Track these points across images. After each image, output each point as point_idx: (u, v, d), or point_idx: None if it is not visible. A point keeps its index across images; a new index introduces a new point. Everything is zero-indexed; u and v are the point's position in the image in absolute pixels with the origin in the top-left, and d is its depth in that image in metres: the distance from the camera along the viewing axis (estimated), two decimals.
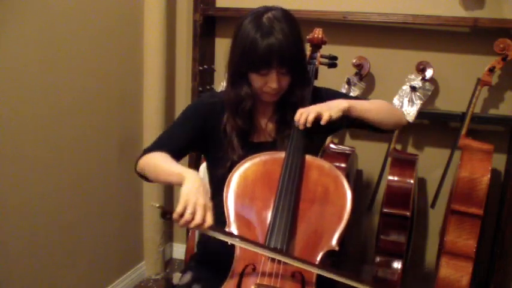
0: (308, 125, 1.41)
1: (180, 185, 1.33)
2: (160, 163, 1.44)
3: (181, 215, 1.25)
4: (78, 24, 2.16)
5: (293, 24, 1.45)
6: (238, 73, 1.49)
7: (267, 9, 1.46)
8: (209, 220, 1.27)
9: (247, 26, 1.43)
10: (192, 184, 1.30)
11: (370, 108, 1.54)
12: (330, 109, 1.43)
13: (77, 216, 2.27)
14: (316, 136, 1.57)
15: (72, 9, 2.11)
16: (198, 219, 1.25)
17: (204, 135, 1.57)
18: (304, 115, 1.42)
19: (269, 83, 1.44)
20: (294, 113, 1.48)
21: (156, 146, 1.53)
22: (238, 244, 1.33)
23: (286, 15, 1.46)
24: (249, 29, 1.41)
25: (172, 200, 3.03)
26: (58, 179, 2.14)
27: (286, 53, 1.39)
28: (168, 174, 1.39)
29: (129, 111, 2.62)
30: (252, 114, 1.56)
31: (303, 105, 1.51)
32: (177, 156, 1.49)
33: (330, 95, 1.61)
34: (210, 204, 1.29)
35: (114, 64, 2.44)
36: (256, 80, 1.46)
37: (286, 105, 1.54)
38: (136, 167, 1.53)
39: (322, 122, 1.41)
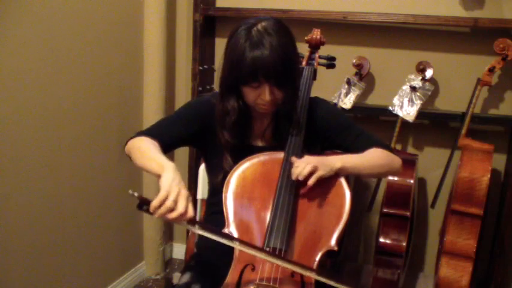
0: (300, 179, 1.37)
1: (157, 174, 1.31)
2: (146, 149, 1.42)
3: (162, 204, 1.21)
4: (78, 24, 2.16)
5: (284, 36, 1.40)
6: (227, 85, 1.47)
7: (259, 20, 1.41)
8: (191, 211, 1.24)
9: (237, 38, 1.39)
10: (174, 174, 1.28)
11: (364, 166, 1.49)
12: (323, 168, 1.38)
13: (77, 216, 2.27)
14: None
15: (72, 10, 2.11)
16: (180, 208, 1.21)
17: (203, 134, 1.56)
18: (299, 169, 1.37)
19: (262, 96, 1.41)
20: (289, 122, 1.51)
21: (150, 132, 1.51)
22: (229, 243, 1.30)
23: (277, 27, 1.40)
24: (239, 42, 1.38)
25: None
26: (58, 179, 2.14)
27: (272, 68, 1.35)
28: (149, 159, 1.37)
29: (129, 111, 2.62)
30: (247, 124, 1.54)
31: (298, 116, 1.51)
32: (167, 147, 1.48)
33: (327, 113, 1.60)
34: (191, 197, 1.27)
35: (114, 64, 2.44)
36: (249, 93, 1.43)
37: (280, 115, 1.52)
38: (125, 147, 1.51)
39: (309, 183, 1.36)
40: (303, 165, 1.37)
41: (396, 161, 1.55)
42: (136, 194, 1.20)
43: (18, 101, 1.90)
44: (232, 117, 1.49)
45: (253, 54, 1.35)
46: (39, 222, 2.06)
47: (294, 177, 1.38)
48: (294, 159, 1.43)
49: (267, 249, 1.32)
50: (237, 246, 1.30)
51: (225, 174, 1.47)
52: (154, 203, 1.20)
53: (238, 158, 1.49)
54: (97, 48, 2.29)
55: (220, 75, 1.49)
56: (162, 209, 1.20)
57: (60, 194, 2.16)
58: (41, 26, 1.96)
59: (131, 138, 1.50)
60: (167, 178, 1.26)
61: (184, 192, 1.24)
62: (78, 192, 2.26)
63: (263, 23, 1.39)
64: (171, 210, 1.21)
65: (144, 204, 1.22)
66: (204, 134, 1.56)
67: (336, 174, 1.42)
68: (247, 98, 1.46)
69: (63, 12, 2.07)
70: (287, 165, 1.44)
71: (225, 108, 1.49)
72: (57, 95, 2.09)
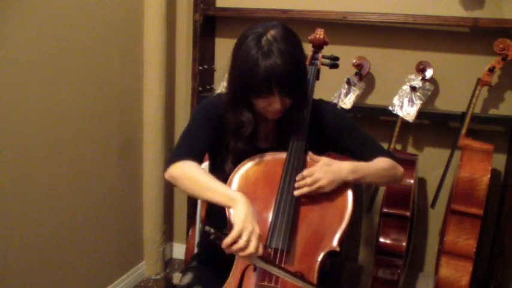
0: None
1: (225, 205, 1.32)
2: (201, 178, 1.38)
3: (234, 242, 1.23)
4: (78, 24, 2.15)
5: (293, 42, 1.40)
6: (239, 97, 1.44)
7: (267, 28, 1.39)
8: (261, 250, 1.26)
9: (247, 48, 1.37)
10: (247, 209, 1.29)
11: (373, 177, 1.50)
12: (333, 181, 1.40)
13: (76, 216, 2.27)
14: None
15: (72, 10, 2.11)
16: (252, 248, 1.24)
17: (214, 136, 1.54)
18: (308, 181, 1.39)
19: (273, 104, 1.41)
20: (293, 124, 1.49)
21: (184, 152, 1.46)
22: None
23: (285, 34, 1.39)
24: (250, 52, 1.36)
25: (172, 201, 3.03)
26: (58, 179, 2.13)
27: (285, 77, 1.35)
28: (214, 192, 1.35)
29: (129, 111, 2.61)
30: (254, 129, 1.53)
31: (301, 122, 1.50)
32: (201, 159, 1.47)
33: (331, 115, 1.59)
34: (261, 234, 1.29)
35: (114, 64, 2.44)
36: (260, 102, 1.42)
37: (284, 120, 1.50)
38: (166, 173, 1.44)
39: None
40: (311, 180, 1.38)
41: (400, 171, 1.55)
42: (212, 231, 1.23)
43: (18, 101, 1.90)
44: (248, 128, 1.47)
45: (266, 64, 1.33)
46: (39, 222, 2.05)
47: (298, 185, 1.39)
48: (311, 155, 1.44)
49: (269, 250, 1.33)
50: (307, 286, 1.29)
51: (227, 175, 1.47)
52: (227, 241, 1.24)
53: (242, 160, 1.49)
54: (97, 48, 2.29)
55: (230, 86, 1.47)
56: (234, 248, 1.24)
57: (60, 194, 2.15)
58: (40, 26, 1.96)
59: (169, 165, 1.43)
60: (241, 215, 1.28)
61: (257, 231, 1.27)
62: (78, 192, 2.26)
63: (272, 32, 1.37)
64: (243, 249, 1.24)
65: (219, 239, 1.24)
66: (214, 136, 1.54)
67: None
68: (256, 107, 1.45)
69: (63, 12, 2.06)
70: (289, 166, 1.44)
71: (240, 120, 1.47)
72: (57, 95, 2.08)
